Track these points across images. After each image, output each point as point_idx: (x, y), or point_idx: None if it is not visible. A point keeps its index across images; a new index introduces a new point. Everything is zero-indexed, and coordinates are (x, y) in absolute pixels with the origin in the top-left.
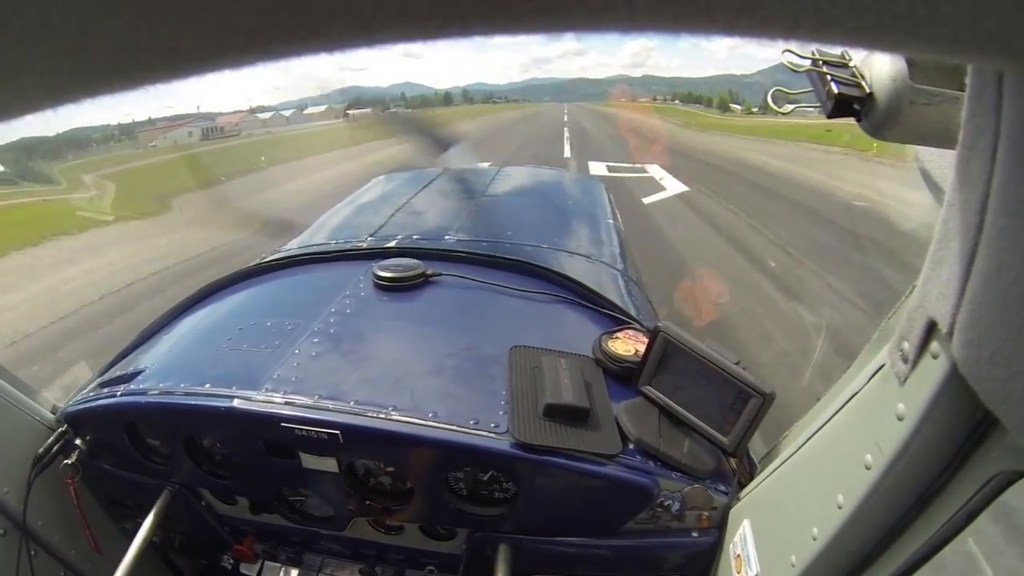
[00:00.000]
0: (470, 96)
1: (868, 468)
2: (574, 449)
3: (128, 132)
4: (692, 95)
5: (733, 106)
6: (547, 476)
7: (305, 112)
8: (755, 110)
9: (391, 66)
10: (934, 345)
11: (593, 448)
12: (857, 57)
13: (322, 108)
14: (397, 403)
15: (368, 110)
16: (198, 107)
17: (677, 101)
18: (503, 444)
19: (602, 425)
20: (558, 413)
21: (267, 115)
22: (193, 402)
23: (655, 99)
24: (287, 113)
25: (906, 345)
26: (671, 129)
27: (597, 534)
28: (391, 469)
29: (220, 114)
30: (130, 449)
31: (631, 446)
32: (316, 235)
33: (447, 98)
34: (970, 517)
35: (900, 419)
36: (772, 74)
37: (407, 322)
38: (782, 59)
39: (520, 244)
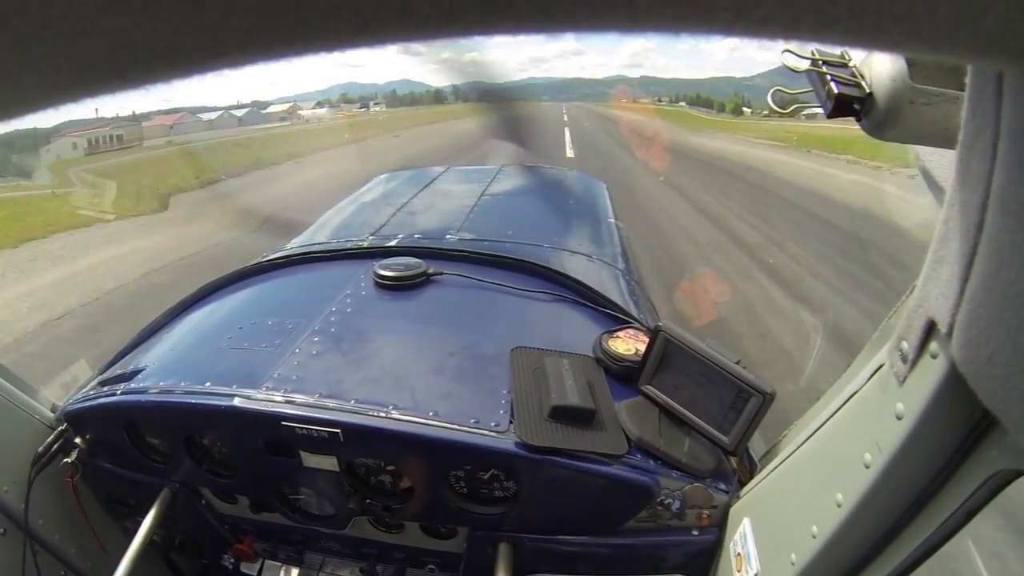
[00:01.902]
0: (463, 95)
1: (867, 467)
2: (582, 451)
3: (43, 139)
4: (701, 97)
5: (744, 110)
6: (549, 476)
7: (264, 112)
8: (766, 113)
9: (388, 63)
10: (933, 345)
11: (600, 449)
12: (857, 57)
13: (285, 107)
14: (398, 402)
15: (324, 110)
16: (109, 111)
17: (683, 103)
18: (504, 443)
19: (607, 425)
20: (564, 415)
21: (213, 115)
22: (193, 401)
23: (659, 100)
24: (240, 113)
25: (905, 345)
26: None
27: (598, 533)
28: (392, 468)
29: (152, 114)
30: (130, 448)
31: (632, 445)
32: (317, 234)
33: (438, 96)
34: (969, 515)
35: (899, 418)
36: (772, 77)
37: (408, 321)
38: (781, 59)
39: (521, 243)
